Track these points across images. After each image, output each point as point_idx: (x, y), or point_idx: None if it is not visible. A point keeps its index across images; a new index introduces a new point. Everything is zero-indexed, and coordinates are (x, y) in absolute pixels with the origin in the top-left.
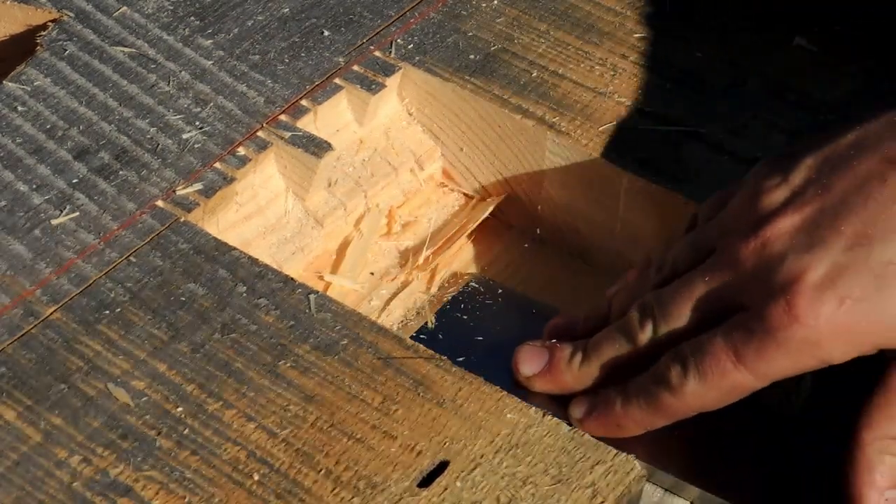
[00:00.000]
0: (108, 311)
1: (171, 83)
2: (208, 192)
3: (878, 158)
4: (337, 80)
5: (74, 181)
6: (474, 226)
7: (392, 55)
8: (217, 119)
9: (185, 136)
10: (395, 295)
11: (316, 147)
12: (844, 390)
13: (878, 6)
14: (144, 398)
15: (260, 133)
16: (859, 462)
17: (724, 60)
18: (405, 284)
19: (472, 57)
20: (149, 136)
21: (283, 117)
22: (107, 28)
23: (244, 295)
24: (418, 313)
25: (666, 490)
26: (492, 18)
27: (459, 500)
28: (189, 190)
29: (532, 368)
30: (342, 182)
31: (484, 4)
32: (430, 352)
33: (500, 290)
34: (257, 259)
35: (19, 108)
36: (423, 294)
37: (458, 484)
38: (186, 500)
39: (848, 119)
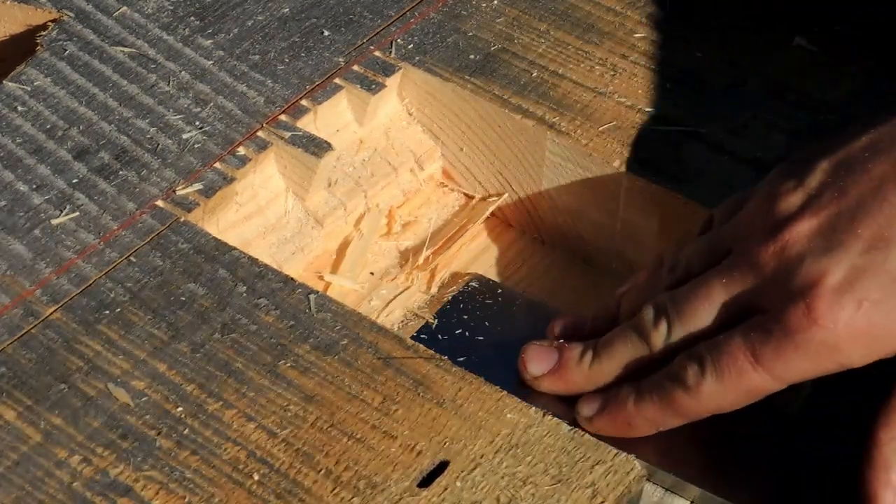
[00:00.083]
0: (108, 311)
1: (171, 83)
2: (208, 192)
3: (893, 161)
4: (337, 80)
5: (74, 181)
6: (474, 226)
7: (392, 55)
8: (217, 119)
9: (185, 136)
10: (395, 296)
11: (316, 147)
12: (846, 389)
13: (878, 6)
14: (144, 398)
15: (260, 133)
16: (875, 461)
17: (724, 60)
18: (406, 285)
19: (472, 57)
20: (149, 136)
21: (283, 117)
22: (107, 28)
23: (244, 295)
24: (416, 315)
25: (666, 490)
26: (492, 18)
27: (459, 500)
28: (189, 190)
29: (541, 368)
30: (342, 182)
31: (484, 4)
32: (430, 352)
33: (499, 290)
34: (257, 259)
35: (19, 108)
36: (424, 294)
37: (458, 484)
38: (186, 500)
39: (848, 119)
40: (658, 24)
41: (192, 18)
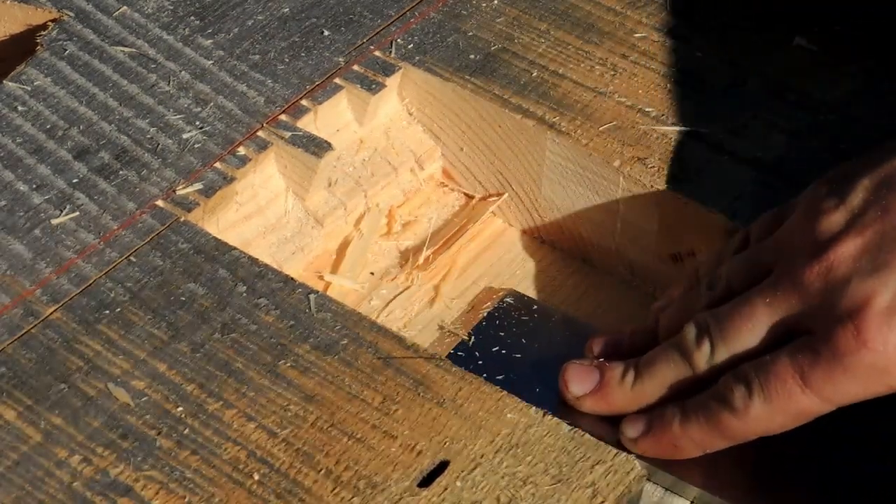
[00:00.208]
0: (108, 311)
1: (171, 83)
2: (208, 191)
3: None
4: (337, 80)
5: (74, 181)
6: (474, 226)
7: (392, 55)
8: (217, 119)
9: (185, 136)
10: (395, 296)
11: (316, 147)
12: (885, 406)
13: (878, 6)
14: (144, 398)
15: (260, 133)
16: None
17: (724, 60)
18: (406, 285)
19: (472, 57)
20: (149, 136)
21: (283, 117)
22: (107, 28)
23: (244, 295)
24: (451, 332)
25: (666, 489)
26: (492, 18)
27: (459, 500)
28: (189, 190)
29: (582, 388)
30: (342, 182)
31: (484, 4)
32: (430, 351)
33: (535, 307)
34: (257, 259)
35: (19, 108)
36: (426, 298)
37: (459, 484)
38: (186, 499)
39: (848, 119)
40: (658, 24)
41: (192, 18)
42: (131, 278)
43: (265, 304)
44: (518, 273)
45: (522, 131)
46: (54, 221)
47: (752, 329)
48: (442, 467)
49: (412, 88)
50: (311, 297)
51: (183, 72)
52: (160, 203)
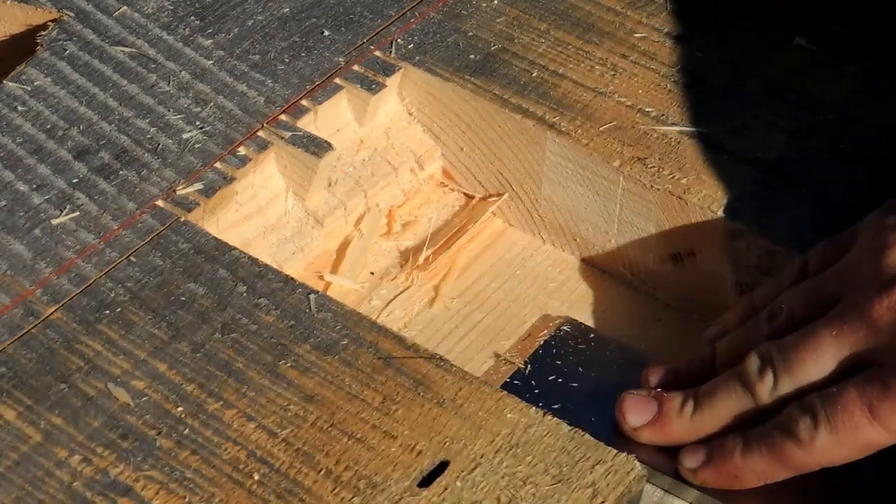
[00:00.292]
0: (108, 311)
1: (171, 83)
2: (208, 191)
3: None
4: (337, 80)
5: (74, 181)
6: (474, 226)
7: (392, 55)
8: (217, 119)
9: (185, 136)
10: (396, 296)
11: (316, 147)
12: None
13: (878, 6)
14: (144, 398)
15: (260, 133)
16: None
17: (724, 60)
18: (406, 285)
19: (472, 57)
20: (149, 136)
21: (283, 117)
22: (107, 28)
23: (244, 295)
24: (507, 361)
25: (665, 491)
26: (492, 18)
27: (459, 500)
28: (189, 190)
29: (640, 419)
30: (342, 182)
31: (484, 4)
32: (430, 351)
33: (591, 335)
34: (257, 259)
35: (19, 108)
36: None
37: (459, 484)
38: (186, 499)
39: (848, 119)
40: (658, 24)
41: (193, 18)
42: (131, 278)
43: (265, 304)
44: (518, 273)
45: (522, 131)
46: (54, 221)
47: (816, 361)
48: (442, 467)
49: (412, 88)
50: (312, 297)
51: (183, 72)
52: (160, 203)
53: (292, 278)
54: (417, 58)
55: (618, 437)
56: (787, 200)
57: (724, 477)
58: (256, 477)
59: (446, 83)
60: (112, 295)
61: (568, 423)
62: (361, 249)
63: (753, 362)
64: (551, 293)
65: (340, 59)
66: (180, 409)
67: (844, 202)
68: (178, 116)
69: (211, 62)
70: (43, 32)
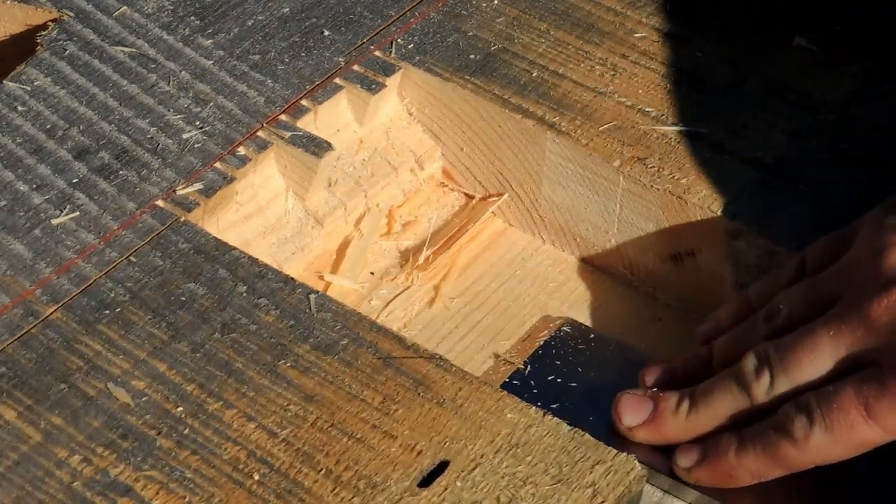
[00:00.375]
0: (108, 311)
1: (171, 83)
2: (208, 191)
3: None
4: (337, 80)
5: (74, 181)
6: (474, 226)
7: (392, 55)
8: (217, 119)
9: (185, 136)
10: (396, 296)
11: (316, 147)
12: None
13: (878, 6)
14: (144, 398)
15: (260, 133)
16: None
17: (724, 60)
18: (406, 285)
19: (472, 57)
20: (149, 136)
21: (283, 117)
22: (107, 28)
23: (244, 295)
24: (507, 361)
25: (665, 492)
26: (492, 18)
27: (459, 500)
28: (189, 190)
29: (636, 419)
30: (342, 182)
31: (484, 4)
32: (430, 351)
33: (591, 335)
34: (257, 259)
35: (19, 108)
36: (426, 298)
37: (459, 484)
38: (186, 499)
39: (848, 119)
40: (658, 24)
41: (192, 18)
42: (131, 278)
43: (265, 304)
44: (518, 273)
45: (522, 131)
46: (54, 221)
47: (813, 360)
48: (442, 467)
49: (412, 88)
50: (311, 297)
51: (183, 72)
52: (160, 203)
53: (292, 278)
54: (417, 58)
55: (615, 437)
56: (787, 200)
57: (718, 476)
58: (256, 477)
59: (446, 83)
60: (112, 295)
61: (567, 424)
62: (361, 249)
63: (750, 362)
64: (551, 293)
65: (340, 59)
66: (180, 409)
67: (844, 202)
68: (178, 116)
69: (211, 62)
70: (43, 32)
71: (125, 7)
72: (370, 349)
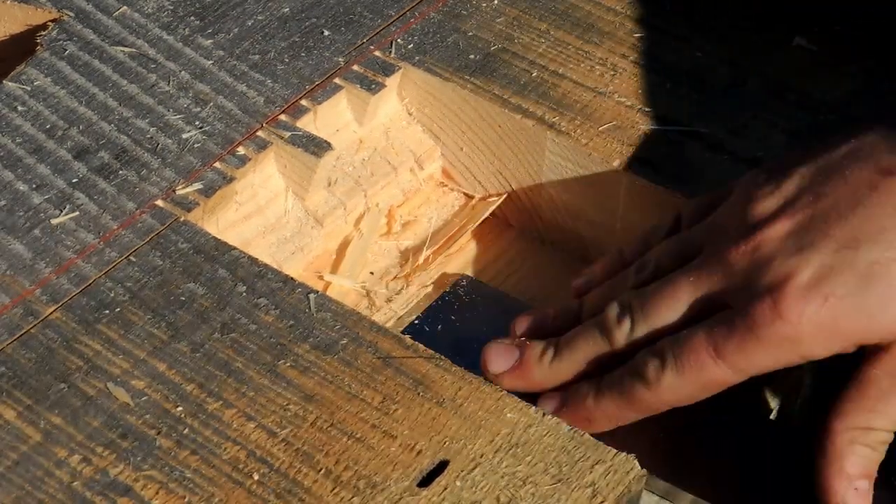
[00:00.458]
0: (107, 311)
1: (171, 83)
2: (208, 191)
3: (871, 169)
4: (337, 80)
5: (74, 181)
6: (474, 226)
7: (392, 55)
8: (217, 119)
9: (185, 136)
10: (395, 296)
11: (316, 147)
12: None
13: (878, 6)
14: (144, 398)
15: (260, 133)
16: (829, 452)
17: (724, 60)
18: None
19: (472, 57)
20: (149, 136)
21: (282, 117)
22: (107, 28)
23: (244, 294)
24: (400, 317)
25: (660, 497)
26: (492, 18)
27: (459, 499)
28: (189, 189)
29: (501, 366)
30: (342, 182)
31: (484, 4)
32: (430, 351)
33: (486, 290)
34: (257, 259)
35: (19, 108)
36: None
37: (458, 483)
38: (186, 499)
39: (848, 119)
40: (658, 25)
41: (192, 18)
42: (131, 278)
43: (265, 304)
44: (518, 273)
45: (522, 131)
46: (54, 221)
47: (672, 306)
48: (442, 467)
49: (412, 88)
50: (311, 296)
51: (183, 72)
52: (160, 203)
53: (292, 278)
54: (417, 58)
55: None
56: None
57: (577, 421)
58: (256, 477)
59: (446, 83)
60: (112, 295)
61: (471, 373)
62: (361, 249)
63: (613, 310)
64: (551, 293)
65: (340, 59)
66: (180, 408)
67: None
68: (178, 116)
69: (211, 62)
70: (43, 32)
71: (125, 7)
72: (370, 349)
